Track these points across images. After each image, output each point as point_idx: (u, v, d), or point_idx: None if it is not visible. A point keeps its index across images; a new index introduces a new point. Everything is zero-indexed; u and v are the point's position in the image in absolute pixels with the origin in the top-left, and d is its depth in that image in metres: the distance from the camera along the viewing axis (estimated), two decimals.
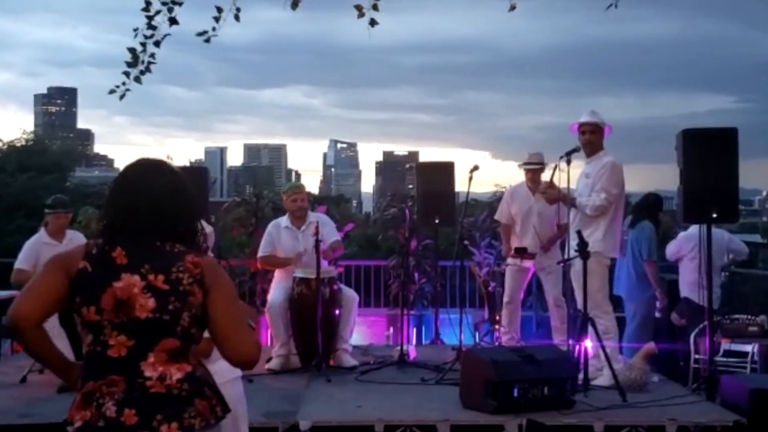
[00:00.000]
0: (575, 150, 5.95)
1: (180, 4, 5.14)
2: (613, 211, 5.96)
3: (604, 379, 5.63)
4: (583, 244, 5.50)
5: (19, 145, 26.86)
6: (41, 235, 6.45)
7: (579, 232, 5.59)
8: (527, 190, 6.99)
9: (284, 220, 6.91)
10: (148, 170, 2.49)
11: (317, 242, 6.19)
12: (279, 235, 6.82)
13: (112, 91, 5.46)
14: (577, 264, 5.73)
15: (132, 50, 5.37)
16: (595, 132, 6.05)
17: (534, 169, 6.98)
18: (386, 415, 4.90)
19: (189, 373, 2.33)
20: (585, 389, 5.37)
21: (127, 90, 5.48)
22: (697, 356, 6.53)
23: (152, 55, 5.35)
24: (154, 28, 5.22)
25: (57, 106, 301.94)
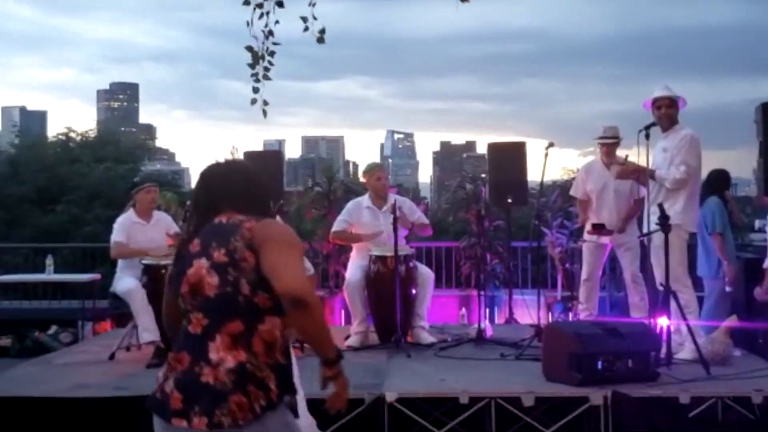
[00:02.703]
0: (653, 124, 5.94)
1: None
2: (692, 184, 5.96)
3: (686, 352, 5.63)
4: (664, 218, 5.49)
5: (92, 136, 27.57)
6: (130, 214, 6.52)
7: (660, 206, 5.58)
8: (602, 166, 6.94)
9: (365, 200, 7.02)
10: (215, 167, 2.75)
11: (395, 220, 6.28)
12: (359, 214, 6.93)
13: (253, 101, 5.59)
14: (657, 238, 5.71)
15: (249, 48, 5.47)
16: (671, 106, 6.06)
17: (609, 143, 6.94)
18: (471, 388, 4.97)
19: (240, 364, 2.37)
20: (668, 362, 5.37)
21: (266, 104, 5.62)
22: None
23: (274, 44, 5.41)
24: (266, 15, 5.27)
25: (119, 101, 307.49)
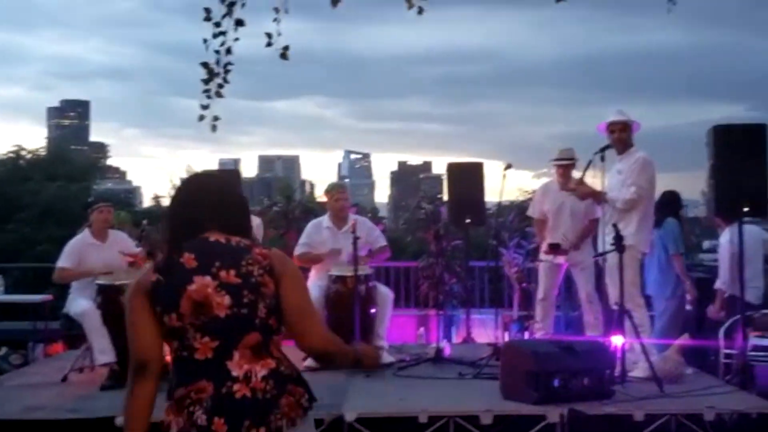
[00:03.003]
0: (608, 147, 6.06)
1: (243, 5, 5.22)
2: (645, 205, 6.08)
3: (640, 370, 5.73)
4: (619, 238, 5.60)
5: (43, 154, 27.17)
6: (85, 235, 6.45)
7: (615, 226, 5.69)
8: (558, 187, 7.07)
9: (325, 220, 7.04)
10: (204, 180, 2.68)
11: (355, 240, 6.30)
12: (319, 235, 6.95)
13: (201, 118, 5.55)
14: (612, 258, 5.83)
15: (205, 64, 5.48)
16: (624, 130, 6.19)
17: (565, 164, 7.06)
18: (430, 406, 5.00)
19: (273, 370, 2.40)
20: (622, 380, 5.46)
21: (216, 119, 5.56)
22: (726, 351, 6.62)
23: (227, 64, 5.44)
24: (223, 34, 5.31)
25: (70, 119, 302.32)
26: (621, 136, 6.16)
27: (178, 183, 2.98)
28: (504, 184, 7.01)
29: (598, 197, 6.10)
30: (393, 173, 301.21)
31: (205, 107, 5.52)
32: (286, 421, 2.36)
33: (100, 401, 5.36)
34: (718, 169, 5.98)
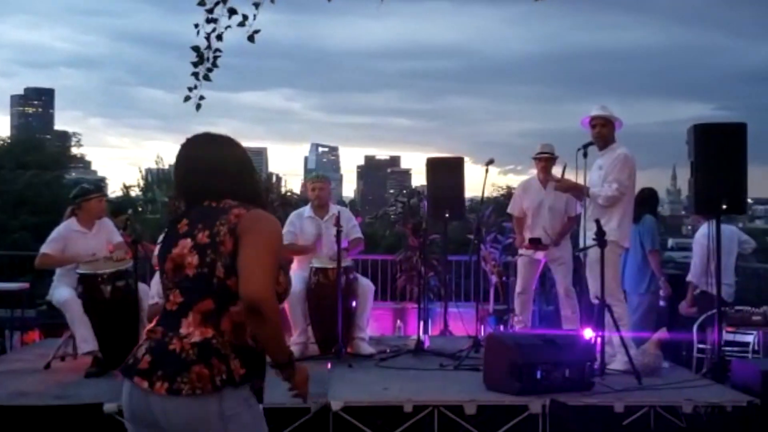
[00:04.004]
0: (591, 143, 6.14)
1: None
2: (626, 201, 6.17)
3: (618, 363, 5.84)
4: (600, 233, 5.69)
5: (12, 143, 26.79)
6: (71, 223, 6.38)
7: (597, 221, 5.78)
8: (539, 184, 7.17)
9: (307, 210, 7.10)
10: (196, 149, 2.67)
11: (338, 233, 6.34)
12: (301, 224, 6.99)
13: (187, 98, 5.64)
14: (593, 253, 5.92)
15: (196, 48, 5.55)
16: (605, 125, 6.25)
17: (545, 157, 7.16)
18: (414, 396, 5.06)
19: (206, 339, 2.43)
20: (602, 373, 5.57)
21: (202, 98, 5.66)
22: (700, 345, 6.76)
23: (216, 50, 5.51)
24: (214, 21, 5.38)
25: (34, 107, 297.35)
26: (602, 131, 6.23)
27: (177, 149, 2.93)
28: (486, 180, 7.09)
29: (580, 191, 6.18)
30: (360, 167, 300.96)
31: (191, 89, 5.64)
32: (187, 387, 2.37)
33: (86, 388, 5.37)
34: (699, 166, 6.09)
